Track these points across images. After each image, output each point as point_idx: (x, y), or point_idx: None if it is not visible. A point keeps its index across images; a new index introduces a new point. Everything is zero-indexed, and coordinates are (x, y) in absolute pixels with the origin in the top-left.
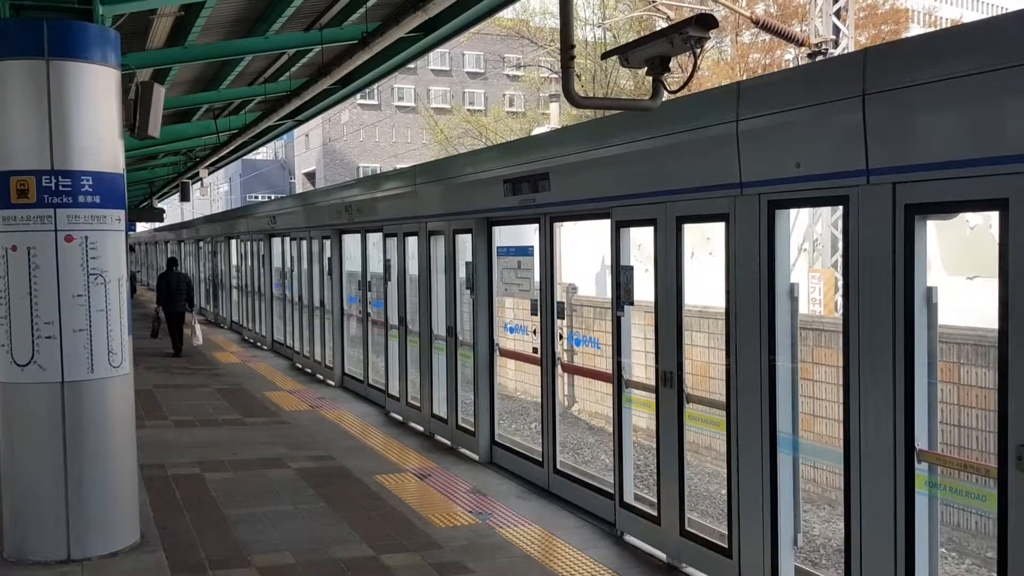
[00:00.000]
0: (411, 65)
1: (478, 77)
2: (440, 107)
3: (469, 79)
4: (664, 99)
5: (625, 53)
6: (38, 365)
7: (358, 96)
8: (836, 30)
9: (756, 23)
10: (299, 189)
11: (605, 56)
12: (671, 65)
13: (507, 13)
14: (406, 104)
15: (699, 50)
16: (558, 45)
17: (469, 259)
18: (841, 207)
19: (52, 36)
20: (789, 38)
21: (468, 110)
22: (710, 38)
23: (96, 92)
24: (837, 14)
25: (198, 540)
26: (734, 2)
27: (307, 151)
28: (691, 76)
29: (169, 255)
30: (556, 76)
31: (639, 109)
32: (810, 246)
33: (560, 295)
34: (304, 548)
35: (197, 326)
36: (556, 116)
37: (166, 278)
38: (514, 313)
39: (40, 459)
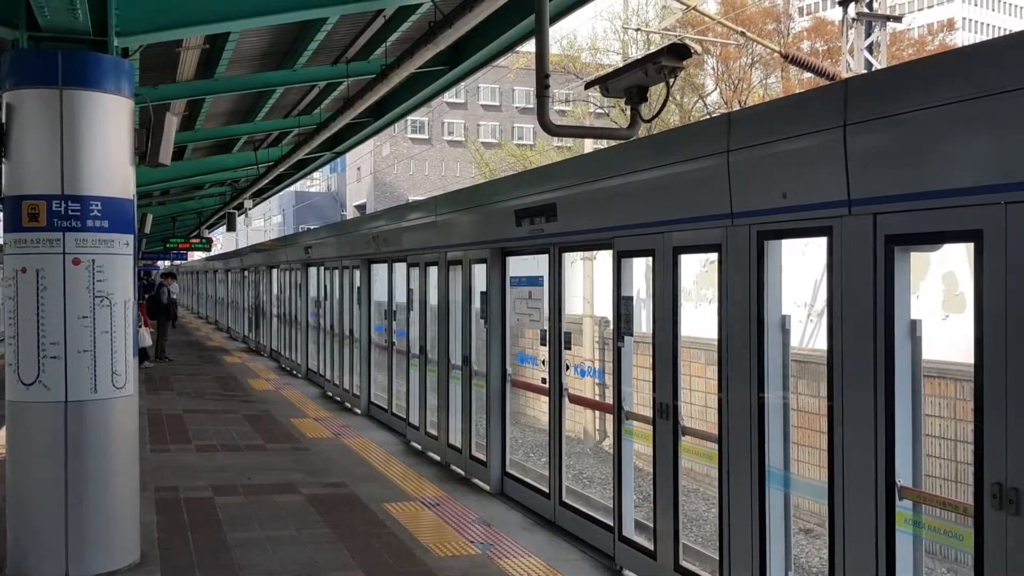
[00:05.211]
0: (460, 100)
1: (527, 112)
2: (488, 141)
3: (518, 114)
4: (639, 128)
5: (605, 83)
6: (43, 384)
7: (408, 130)
8: (868, 65)
9: (785, 57)
10: None
11: (588, 86)
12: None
13: (553, 48)
14: (455, 138)
15: (672, 80)
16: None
17: (484, 289)
18: (825, 238)
19: (66, 66)
20: (819, 72)
21: (516, 144)
22: (684, 68)
23: (108, 120)
24: (869, 48)
25: (195, 562)
26: (761, 36)
27: (358, 183)
28: (663, 106)
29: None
30: (603, 111)
31: (615, 138)
32: None
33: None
34: (298, 573)
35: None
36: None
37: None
38: (533, 343)
39: (42, 476)
